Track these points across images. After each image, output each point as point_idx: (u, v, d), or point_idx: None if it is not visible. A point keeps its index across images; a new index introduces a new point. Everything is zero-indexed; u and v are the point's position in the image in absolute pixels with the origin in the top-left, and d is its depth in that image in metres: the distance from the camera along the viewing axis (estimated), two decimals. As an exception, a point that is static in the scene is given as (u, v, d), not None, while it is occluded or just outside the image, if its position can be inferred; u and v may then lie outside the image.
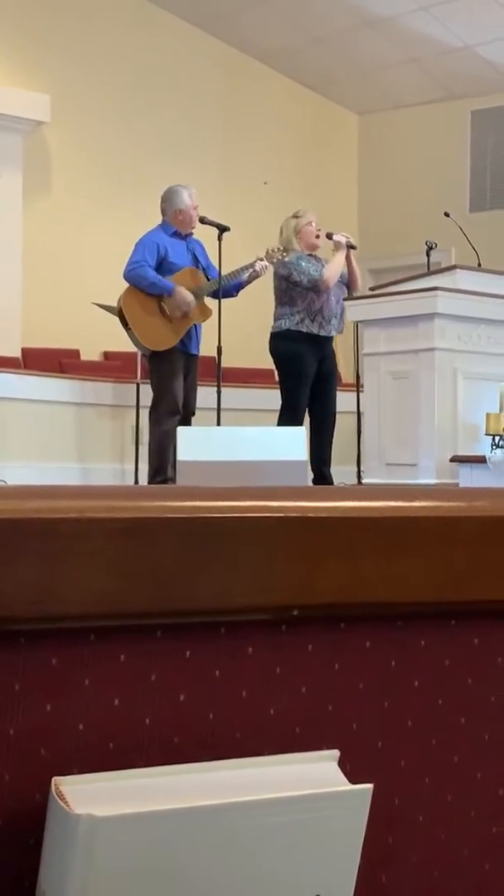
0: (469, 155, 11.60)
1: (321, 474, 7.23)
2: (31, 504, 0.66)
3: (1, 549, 0.65)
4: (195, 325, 7.21)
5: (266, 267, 7.29)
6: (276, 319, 7.27)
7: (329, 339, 7.28)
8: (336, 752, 0.73)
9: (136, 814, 0.64)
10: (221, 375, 7.48)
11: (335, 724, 0.77)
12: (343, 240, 7.28)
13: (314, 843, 0.69)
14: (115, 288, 7.46)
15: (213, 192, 8.96)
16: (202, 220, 7.31)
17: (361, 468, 7.69)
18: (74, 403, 8.74)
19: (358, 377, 7.99)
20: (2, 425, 8.23)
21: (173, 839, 0.65)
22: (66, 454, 8.54)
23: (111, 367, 9.72)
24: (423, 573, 0.77)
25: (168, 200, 7.30)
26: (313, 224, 7.32)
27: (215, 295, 7.22)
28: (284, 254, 7.25)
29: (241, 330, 8.35)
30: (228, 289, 7.32)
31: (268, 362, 8.26)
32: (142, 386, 8.32)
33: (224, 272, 7.22)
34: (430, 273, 7.48)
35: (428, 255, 8.42)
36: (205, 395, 7.37)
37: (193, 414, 7.24)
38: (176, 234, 7.23)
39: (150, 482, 7.14)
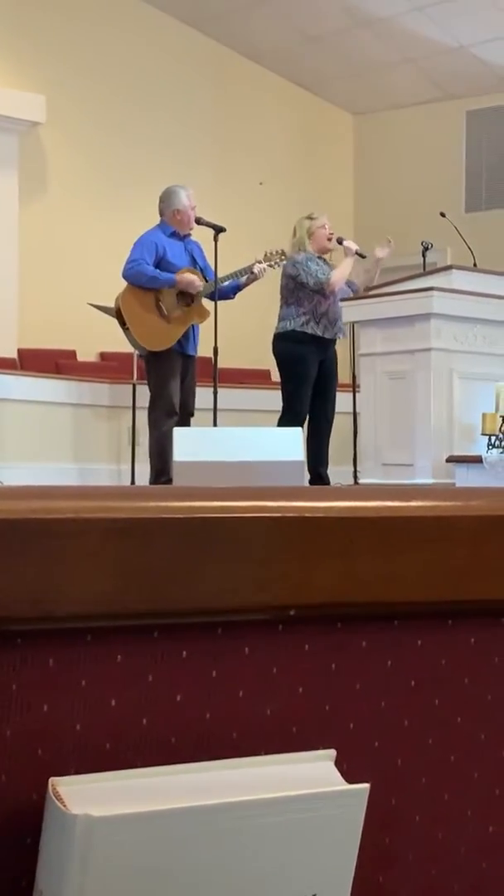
0: (464, 155, 11.60)
1: (318, 475, 7.23)
2: (27, 504, 0.66)
3: (-3, 550, 0.65)
4: (192, 327, 7.21)
5: (264, 270, 7.28)
6: (280, 320, 7.26)
7: (332, 342, 7.28)
8: (333, 752, 0.73)
9: (134, 814, 0.64)
10: (218, 376, 7.48)
11: (332, 723, 0.77)
12: (353, 247, 7.32)
13: (311, 843, 0.69)
14: (112, 288, 7.46)
15: (208, 193, 8.96)
16: (198, 221, 7.30)
17: (358, 468, 7.69)
18: (71, 404, 8.74)
19: (354, 377, 8.00)
20: (-2, 426, 8.24)
21: (170, 839, 0.65)
22: (63, 455, 8.54)
23: (108, 367, 9.72)
24: (419, 573, 0.77)
25: (166, 200, 7.30)
26: (326, 227, 7.34)
27: (212, 297, 7.22)
28: (283, 256, 7.26)
29: (238, 330, 8.35)
30: (226, 291, 7.32)
31: (264, 363, 8.26)
32: (138, 386, 8.32)
33: (220, 273, 7.21)
34: (426, 273, 7.49)
35: (424, 255, 8.42)
36: (201, 396, 7.37)
37: (192, 415, 7.23)
38: (174, 235, 7.23)
39: (152, 484, 7.12)
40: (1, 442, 8.23)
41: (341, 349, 7.66)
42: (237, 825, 0.67)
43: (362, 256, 7.41)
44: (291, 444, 6.25)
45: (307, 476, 6.99)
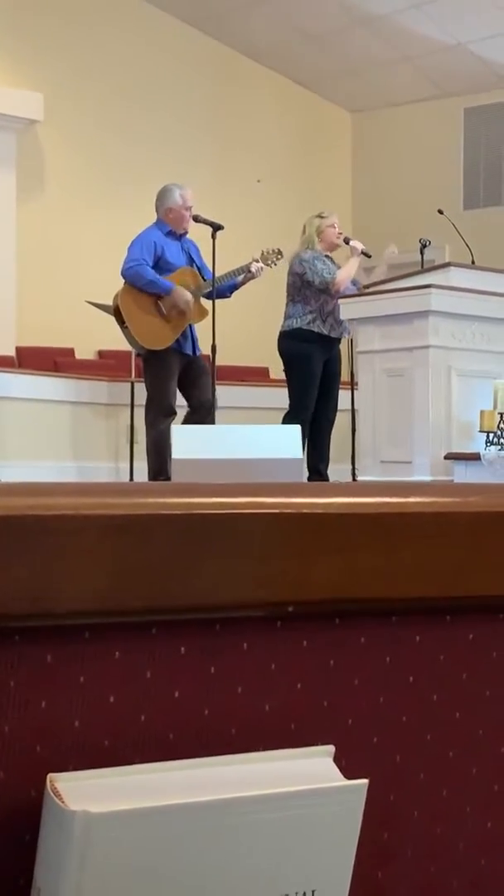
0: (462, 152, 11.60)
1: (318, 473, 7.22)
2: (25, 501, 0.66)
3: (-5, 547, 0.65)
4: (190, 326, 7.21)
5: (262, 269, 7.29)
6: (286, 318, 7.26)
7: (337, 341, 7.29)
8: (331, 748, 0.73)
9: (132, 810, 0.64)
10: (216, 373, 7.48)
11: (330, 719, 0.77)
12: (360, 246, 7.35)
13: (309, 839, 0.69)
14: (110, 286, 7.46)
15: (206, 191, 8.96)
16: (196, 219, 7.30)
17: (356, 466, 7.70)
18: (69, 402, 8.74)
19: (353, 375, 8.00)
20: (-4, 424, 8.24)
21: (168, 835, 0.65)
22: (61, 453, 8.54)
23: (106, 365, 9.72)
24: (417, 569, 0.77)
25: (161, 199, 7.31)
26: (336, 226, 7.36)
27: (209, 296, 7.22)
28: (280, 255, 7.27)
29: (236, 328, 8.35)
30: (222, 289, 7.32)
31: (263, 360, 8.26)
32: (137, 385, 8.32)
33: (218, 271, 7.21)
34: (424, 270, 7.49)
35: (422, 252, 8.42)
36: (199, 394, 7.36)
37: (214, 407, 7.14)
38: (171, 234, 7.23)
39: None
40: (-1, 440, 8.24)
41: (340, 347, 7.67)
42: (236, 821, 0.67)
43: (368, 256, 7.44)
44: (290, 441, 6.25)
45: (306, 473, 6.99)
